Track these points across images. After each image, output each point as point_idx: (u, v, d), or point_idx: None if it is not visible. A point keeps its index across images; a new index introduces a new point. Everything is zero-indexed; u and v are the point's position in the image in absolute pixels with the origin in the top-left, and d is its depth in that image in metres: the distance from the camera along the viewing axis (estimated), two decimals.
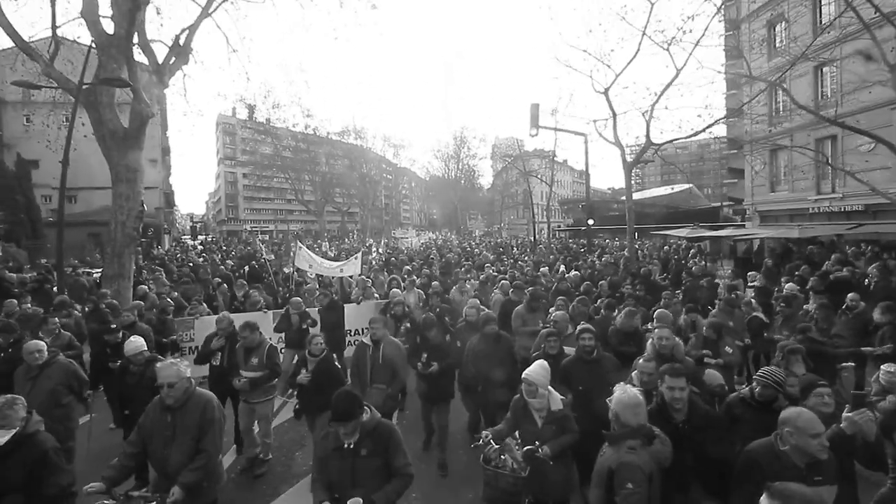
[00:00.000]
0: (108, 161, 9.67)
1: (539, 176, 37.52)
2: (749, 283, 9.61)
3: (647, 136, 15.76)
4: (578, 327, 4.79)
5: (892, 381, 3.80)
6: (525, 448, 3.30)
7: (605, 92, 16.29)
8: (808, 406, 3.11)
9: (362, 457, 2.84)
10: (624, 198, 18.39)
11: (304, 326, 7.21)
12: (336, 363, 5.03)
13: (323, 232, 41.26)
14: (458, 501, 4.68)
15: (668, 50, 14.54)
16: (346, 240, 37.36)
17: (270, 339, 6.02)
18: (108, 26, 9.72)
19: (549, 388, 3.54)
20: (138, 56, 10.25)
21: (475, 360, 5.14)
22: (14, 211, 23.82)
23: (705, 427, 3.11)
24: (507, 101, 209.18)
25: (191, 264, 16.45)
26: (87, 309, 8.07)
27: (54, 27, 10.12)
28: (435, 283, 8.54)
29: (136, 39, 10.04)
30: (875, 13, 9.91)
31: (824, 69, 16.68)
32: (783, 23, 17.39)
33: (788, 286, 8.24)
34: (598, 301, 7.61)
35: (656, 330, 4.53)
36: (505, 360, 5.12)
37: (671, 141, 16.54)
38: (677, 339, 4.85)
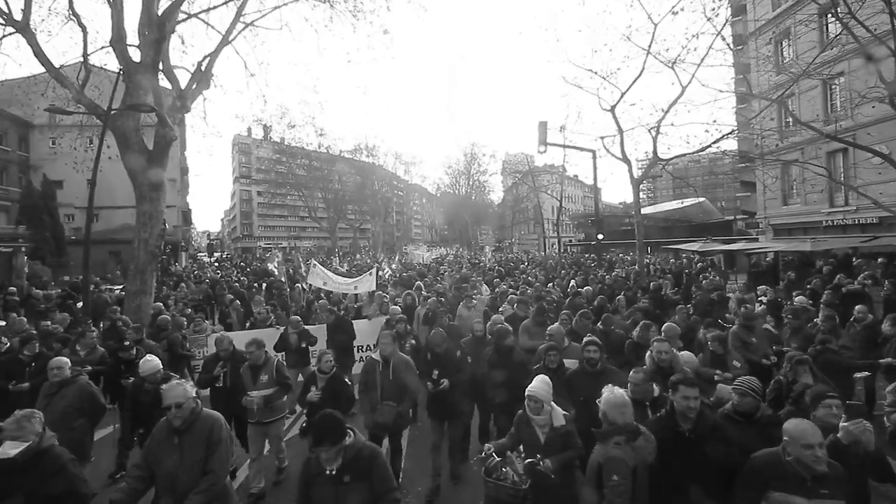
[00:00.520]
0: (133, 182, 10.05)
1: (549, 191, 37.61)
2: (758, 297, 9.55)
3: (655, 151, 15.91)
4: (584, 339, 4.77)
5: None
6: (526, 461, 3.34)
7: (612, 109, 16.52)
8: (818, 417, 3.09)
9: (345, 484, 2.70)
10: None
11: (304, 345, 7.13)
12: (346, 380, 5.01)
13: (335, 248, 41.73)
14: None
15: (672, 68, 14.77)
16: (358, 256, 37.71)
17: (276, 356, 5.93)
18: (135, 54, 10.24)
19: (553, 403, 3.60)
20: (162, 81, 10.77)
21: (490, 371, 5.18)
22: (40, 230, 24.68)
23: (711, 436, 3.15)
24: (517, 117, 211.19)
25: (208, 280, 16.82)
26: (102, 325, 8.27)
27: (86, 56, 10.70)
28: (432, 300, 8.28)
29: (160, 66, 10.56)
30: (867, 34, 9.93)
31: (833, 83, 16.68)
32: (788, 39, 17.53)
33: (798, 299, 8.23)
34: (616, 316, 7.61)
35: (655, 343, 4.54)
36: (519, 372, 5.07)
37: (679, 156, 16.67)
38: (689, 352, 4.88)
